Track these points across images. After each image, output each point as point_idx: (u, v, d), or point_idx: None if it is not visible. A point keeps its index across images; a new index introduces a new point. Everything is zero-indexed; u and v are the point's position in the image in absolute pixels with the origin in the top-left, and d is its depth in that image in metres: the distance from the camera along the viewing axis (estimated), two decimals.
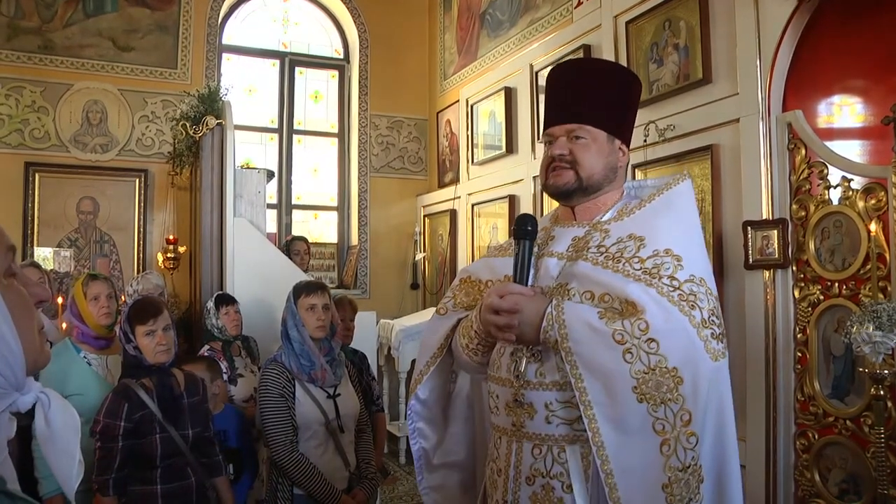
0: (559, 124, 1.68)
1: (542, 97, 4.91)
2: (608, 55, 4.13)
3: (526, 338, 1.55)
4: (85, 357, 2.75)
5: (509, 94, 5.29)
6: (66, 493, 0.99)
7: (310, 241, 5.64)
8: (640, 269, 1.50)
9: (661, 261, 1.51)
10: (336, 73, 6.88)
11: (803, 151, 2.99)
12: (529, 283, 1.61)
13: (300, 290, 2.77)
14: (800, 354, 2.97)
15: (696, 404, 1.44)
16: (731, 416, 1.54)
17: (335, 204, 6.86)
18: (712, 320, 1.49)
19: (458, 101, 6.15)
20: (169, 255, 5.45)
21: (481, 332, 1.66)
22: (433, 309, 6.54)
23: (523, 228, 1.58)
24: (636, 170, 3.74)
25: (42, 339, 0.91)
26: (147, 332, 2.41)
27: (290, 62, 6.67)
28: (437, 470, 1.90)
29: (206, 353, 3.30)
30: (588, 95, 1.70)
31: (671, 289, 1.47)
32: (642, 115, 3.78)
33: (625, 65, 3.95)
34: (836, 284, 2.83)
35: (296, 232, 6.33)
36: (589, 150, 1.65)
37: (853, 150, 3.04)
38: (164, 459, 2.34)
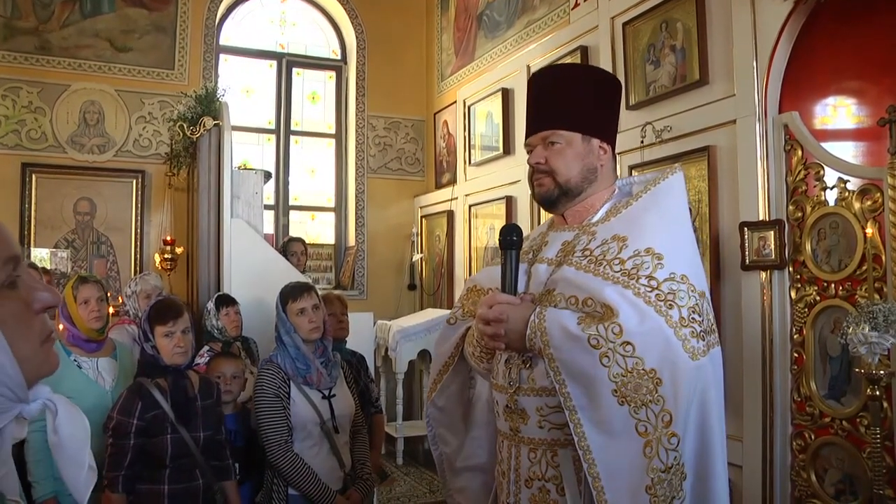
0: (534, 133, 1.72)
1: None
2: (605, 56, 4.14)
3: (514, 345, 1.58)
4: (75, 360, 2.73)
5: (506, 95, 5.29)
6: (78, 501, 0.95)
7: (307, 242, 5.65)
8: (620, 270, 1.51)
9: (641, 260, 1.51)
10: (333, 74, 6.88)
11: (800, 153, 3.00)
12: (522, 289, 1.64)
13: (286, 297, 2.74)
14: (796, 355, 2.98)
15: (677, 404, 1.43)
16: (715, 414, 1.51)
17: (332, 205, 6.85)
18: (692, 318, 1.47)
19: (455, 102, 6.15)
20: (166, 255, 5.43)
21: (481, 341, 1.68)
22: (430, 310, 6.48)
23: (508, 238, 1.60)
24: (633, 171, 3.74)
25: (47, 349, 0.86)
26: (166, 333, 2.43)
27: (288, 63, 6.67)
28: (460, 473, 1.93)
29: (205, 354, 3.30)
30: (558, 100, 1.72)
31: (649, 289, 1.47)
32: (639, 117, 3.79)
33: (621, 66, 3.97)
34: (833, 285, 2.83)
35: (293, 233, 6.33)
36: (563, 156, 1.67)
37: (849, 151, 3.05)
38: (173, 460, 2.36)
